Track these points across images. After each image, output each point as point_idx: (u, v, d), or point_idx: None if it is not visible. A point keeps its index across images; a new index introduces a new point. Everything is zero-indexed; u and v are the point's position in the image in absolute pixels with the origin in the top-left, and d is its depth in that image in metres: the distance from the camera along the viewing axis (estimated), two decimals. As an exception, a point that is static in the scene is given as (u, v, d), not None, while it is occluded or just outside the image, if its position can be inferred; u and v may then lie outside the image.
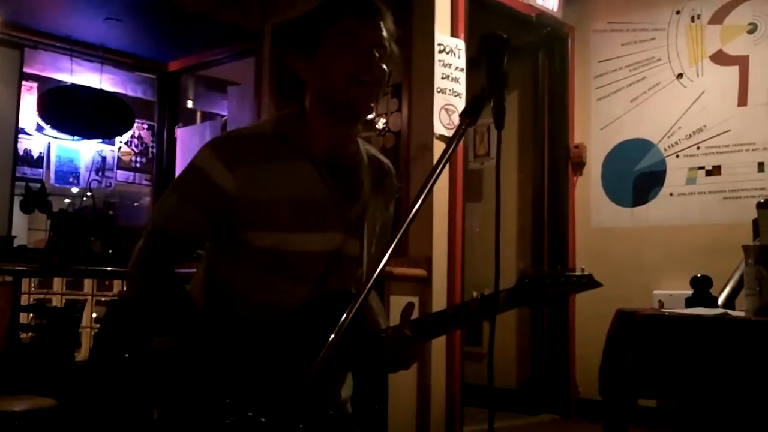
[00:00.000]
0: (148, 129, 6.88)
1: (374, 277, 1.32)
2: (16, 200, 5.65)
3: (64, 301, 6.21)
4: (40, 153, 6.39)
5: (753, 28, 4.85)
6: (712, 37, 5.00)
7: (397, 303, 3.92)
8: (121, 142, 6.80)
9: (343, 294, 1.68)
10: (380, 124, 4.91)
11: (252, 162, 1.64)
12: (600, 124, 5.45)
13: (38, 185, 5.62)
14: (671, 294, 4.67)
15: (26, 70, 5.98)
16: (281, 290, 1.67)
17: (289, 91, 1.76)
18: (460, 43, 4.58)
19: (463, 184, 4.61)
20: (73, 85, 6.20)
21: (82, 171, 6.63)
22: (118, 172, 6.85)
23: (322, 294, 1.69)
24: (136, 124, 6.67)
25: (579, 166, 5.50)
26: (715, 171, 4.93)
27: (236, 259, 1.68)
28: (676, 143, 5.09)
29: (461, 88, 4.56)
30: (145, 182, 7.00)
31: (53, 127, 6.23)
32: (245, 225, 1.64)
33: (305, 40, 1.69)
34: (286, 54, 1.75)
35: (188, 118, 7.23)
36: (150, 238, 1.70)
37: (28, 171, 6.24)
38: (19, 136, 5.96)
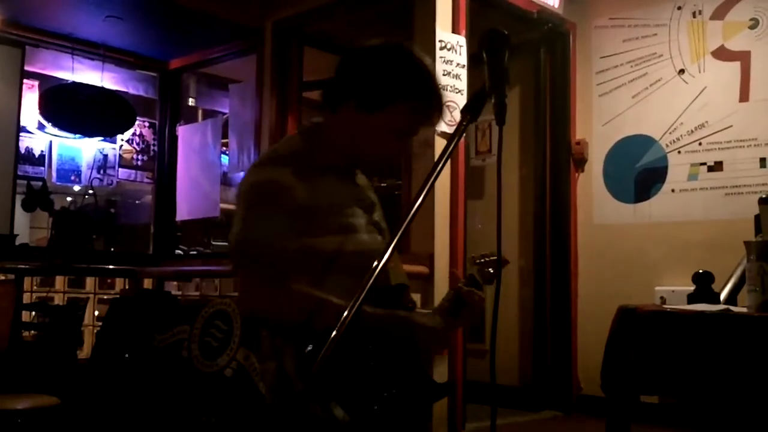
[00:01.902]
0: (149, 127, 6.88)
1: (375, 273, 1.32)
2: (18, 199, 5.65)
3: (66, 299, 6.22)
4: (42, 151, 6.39)
5: (754, 24, 4.84)
6: (713, 33, 4.99)
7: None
8: (122, 140, 6.80)
9: (400, 287, 1.85)
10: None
11: (309, 177, 1.76)
12: (601, 121, 5.44)
13: (40, 184, 5.63)
14: (673, 290, 4.67)
15: (27, 68, 5.97)
16: (347, 291, 1.68)
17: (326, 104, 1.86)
18: (461, 40, 4.58)
19: (465, 180, 4.62)
20: (74, 83, 6.19)
21: (84, 169, 6.63)
22: (120, 170, 6.84)
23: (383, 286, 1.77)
24: (137, 122, 6.66)
25: (580, 162, 5.50)
26: (717, 167, 4.93)
27: (305, 267, 1.74)
28: (678, 139, 5.09)
29: (462, 84, 4.56)
30: (146, 180, 6.99)
31: (55, 125, 6.23)
32: (311, 232, 1.73)
33: (370, 100, 1.77)
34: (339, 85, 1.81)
35: (190, 116, 7.22)
36: (249, 261, 1.73)
37: (30, 169, 6.23)
38: (21, 134, 5.95)
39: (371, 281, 1.33)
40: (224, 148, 6.36)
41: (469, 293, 1.84)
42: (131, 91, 6.76)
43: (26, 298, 5.33)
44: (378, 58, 1.81)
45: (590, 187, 5.46)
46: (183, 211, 6.44)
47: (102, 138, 6.65)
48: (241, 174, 6.61)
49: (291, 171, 1.74)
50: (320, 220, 1.74)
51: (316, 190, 1.75)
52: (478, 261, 1.93)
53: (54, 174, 6.42)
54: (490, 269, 1.92)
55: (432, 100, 1.80)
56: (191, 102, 7.40)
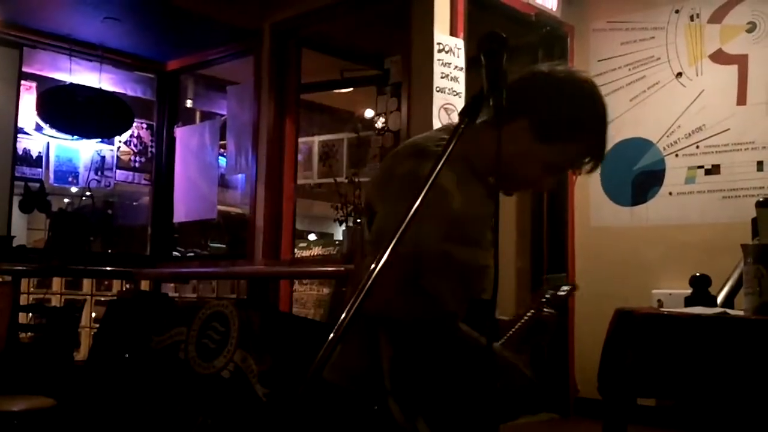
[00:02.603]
0: (147, 128, 6.87)
1: (373, 275, 1.32)
2: (16, 200, 5.65)
3: (63, 300, 6.22)
4: (39, 153, 6.38)
5: (752, 27, 4.85)
6: (711, 36, 5.00)
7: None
8: (120, 141, 6.79)
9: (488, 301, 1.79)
10: (379, 123, 4.91)
11: (466, 183, 1.72)
12: (599, 124, 5.44)
13: (37, 185, 5.63)
14: (670, 293, 4.67)
15: (25, 69, 5.97)
16: (461, 303, 1.73)
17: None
18: (459, 43, 4.59)
19: (463, 183, 4.61)
20: (72, 84, 6.19)
21: (81, 170, 6.62)
22: (118, 171, 6.84)
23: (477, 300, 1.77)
24: (135, 124, 6.66)
25: (578, 165, 5.50)
26: (714, 170, 4.93)
27: (445, 276, 1.72)
28: (676, 142, 5.09)
29: (460, 87, 4.56)
30: (144, 182, 6.99)
31: (52, 126, 6.22)
32: (450, 239, 1.69)
33: (548, 130, 1.72)
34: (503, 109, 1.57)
35: (187, 118, 7.22)
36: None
37: (27, 171, 6.22)
38: (18, 135, 5.95)
39: (368, 284, 1.32)
40: (222, 150, 6.36)
41: (550, 315, 1.88)
42: (129, 92, 6.75)
43: (23, 300, 5.33)
44: (572, 93, 1.76)
45: (587, 190, 5.47)
46: (180, 213, 6.44)
47: (100, 139, 6.65)
48: (239, 176, 6.65)
49: (453, 175, 1.66)
50: (465, 229, 1.72)
51: (469, 200, 1.71)
52: (551, 285, 1.95)
53: (51, 175, 6.41)
54: (561, 293, 1.95)
55: (602, 149, 1.79)
56: (189, 104, 7.39)
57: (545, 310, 1.87)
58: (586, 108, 1.75)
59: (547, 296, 1.91)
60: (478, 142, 1.69)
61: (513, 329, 1.86)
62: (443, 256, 1.70)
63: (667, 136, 5.13)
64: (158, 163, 6.73)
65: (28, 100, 6.13)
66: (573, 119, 1.73)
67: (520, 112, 1.72)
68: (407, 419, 1.58)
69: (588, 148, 1.77)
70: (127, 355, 4.37)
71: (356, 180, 5.50)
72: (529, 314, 1.88)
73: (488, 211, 1.78)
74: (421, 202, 1.52)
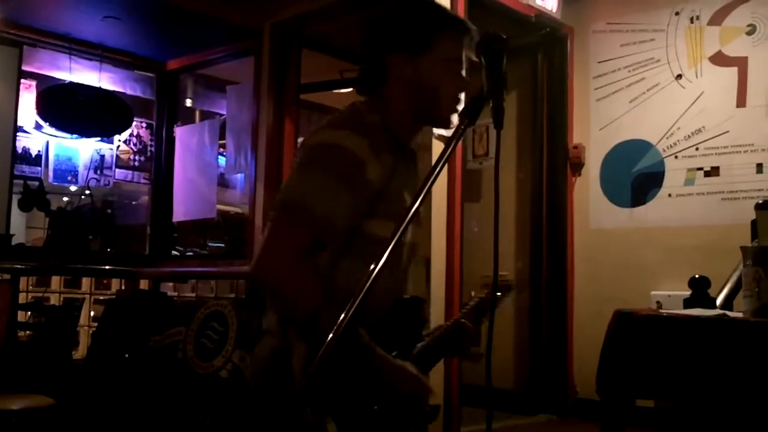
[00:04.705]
0: (146, 128, 6.87)
1: (372, 276, 1.32)
2: (15, 198, 5.64)
3: (62, 299, 6.21)
4: (39, 151, 6.37)
5: (752, 30, 4.85)
6: (711, 39, 5.00)
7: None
8: (119, 140, 6.78)
9: (416, 300, 1.89)
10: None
11: (384, 153, 1.71)
12: (599, 125, 5.45)
13: (36, 183, 5.62)
14: (669, 295, 4.67)
15: (25, 68, 5.96)
16: (385, 284, 1.65)
17: (368, 84, 1.84)
18: (459, 43, 4.58)
19: (462, 184, 4.62)
20: (71, 83, 6.18)
21: (81, 169, 6.61)
22: (117, 170, 6.83)
23: (403, 299, 1.83)
24: (134, 123, 6.65)
25: (578, 166, 5.51)
26: (713, 172, 4.94)
27: (355, 254, 1.68)
28: (675, 144, 5.09)
29: (460, 88, 4.55)
30: (143, 181, 6.98)
31: (52, 125, 6.21)
32: (371, 215, 1.68)
33: (413, 39, 1.79)
34: (370, 47, 1.86)
35: (187, 117, 7.22)
36: (290, 219, 1.62)
37: (27, 169, 6.22)
38: (18, 134, 5.94)
39: (367, 286, 1.32)
40: (221, 150, 6.35)
41: (469, 328, 1.98)
42: (129, 91, 6.75)
43: (22, 298, 5.32)
44: (401, 6, 1.88)
45: (587, 191, 5.47)
46: (180, 212, 6.44)
47: (99, 138, 6.64)
48: (239, 176, 6.65)
49: (368, 144, 1.67)
50: (381, 202, 1.68)
51: (385, 169, 1.68)
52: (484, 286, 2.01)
53: (51, 174, 6.40)
54: (498, 294, 2.02)
55: (461, 22, 1.91)
56: (189, 103, 7.39)
57: (463, 321, 1.98)
58: (422, 7, 1.86)
59: (470, 304, 2.02)
60: (384, 103, 1.79)
61: (429, 337, 1.91)
62: (356, 232, 1.66)
63: (667, 138, 5.13)
64: (158, 163, 6.73)
65: (28, 98, 6.12)
66: (422, 20, 1.82)
67: (387, 54, 1.81)
68: (317, 419, 1.57)
69: (451, 30, 1.85)
70: (125, 355, 4.37)
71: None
72: (448, 324, 1.98)
73: (405, 180, 1.78)
74: (333, 171, 1.64)
